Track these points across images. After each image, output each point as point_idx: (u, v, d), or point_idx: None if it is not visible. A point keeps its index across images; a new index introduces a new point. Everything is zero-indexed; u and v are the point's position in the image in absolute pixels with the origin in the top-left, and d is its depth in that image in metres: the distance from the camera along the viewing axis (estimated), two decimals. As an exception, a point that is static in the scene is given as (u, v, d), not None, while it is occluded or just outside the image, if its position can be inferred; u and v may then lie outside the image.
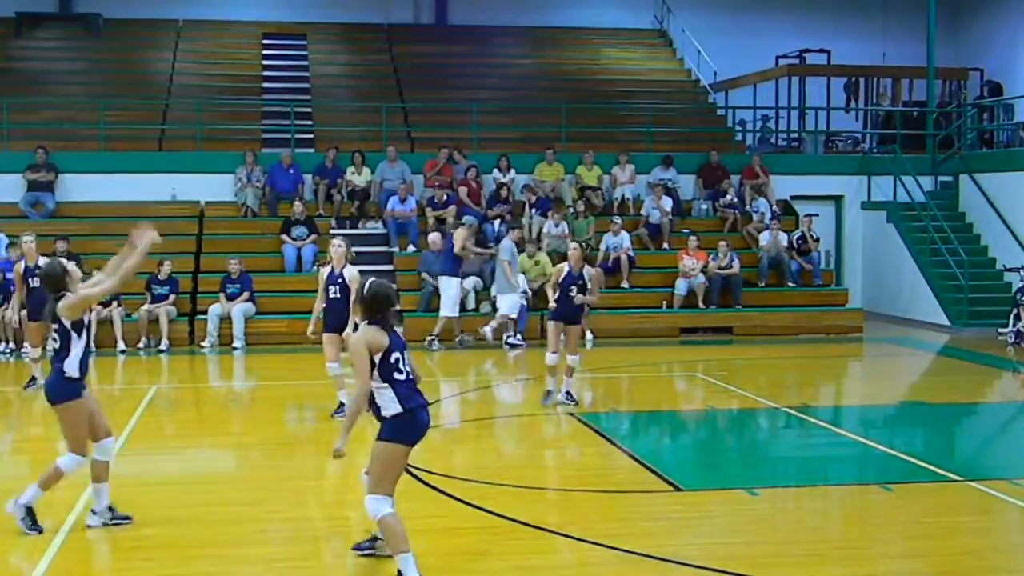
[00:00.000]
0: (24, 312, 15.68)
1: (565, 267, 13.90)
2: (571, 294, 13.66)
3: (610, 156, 24.78)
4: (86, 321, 8.60)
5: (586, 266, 13.96)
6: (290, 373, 17.63)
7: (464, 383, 17.15)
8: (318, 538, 8.88)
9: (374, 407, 7.41)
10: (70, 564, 8.01)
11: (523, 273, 21.12)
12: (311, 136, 25.87)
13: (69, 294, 8.52)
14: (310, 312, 13.49)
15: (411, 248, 22.59)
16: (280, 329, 20.29)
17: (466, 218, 22.27)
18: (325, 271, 13.18)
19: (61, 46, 29.14)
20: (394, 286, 7.63)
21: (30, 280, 15.02)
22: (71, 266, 8.85)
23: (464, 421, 13.58)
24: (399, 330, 7.47)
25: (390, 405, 7.31)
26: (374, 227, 23.25)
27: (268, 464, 11.46)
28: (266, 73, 28.56)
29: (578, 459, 11.70)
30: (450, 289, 20.31)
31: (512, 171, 24.16)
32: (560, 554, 8.29)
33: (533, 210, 23.14)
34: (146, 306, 20.06)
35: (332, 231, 22.35)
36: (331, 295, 12.95)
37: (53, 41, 29.18)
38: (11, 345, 19.45)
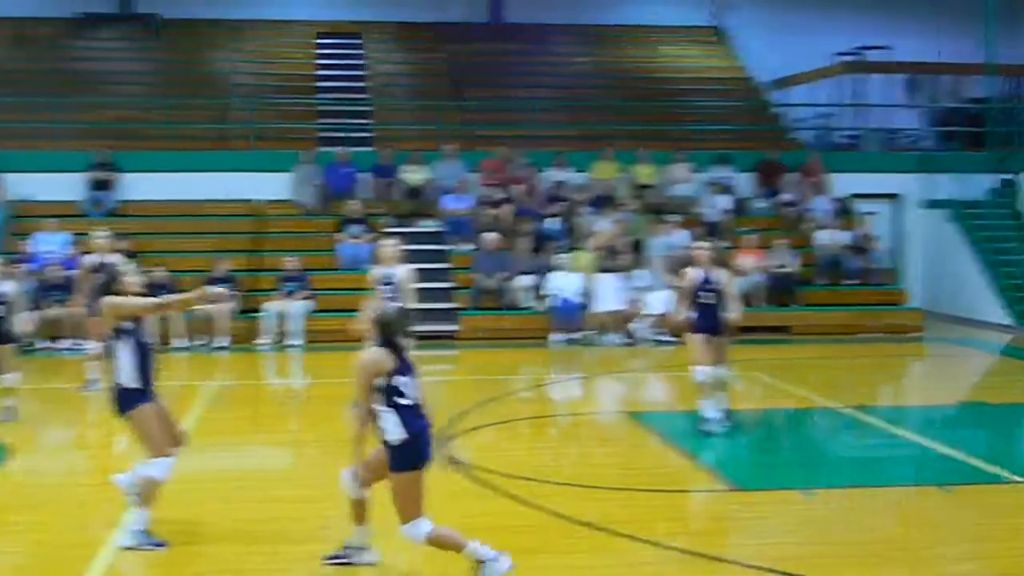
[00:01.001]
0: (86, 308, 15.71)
1: (695, 272, 12.34)
2: (709, 302, 12.13)
3: (666, 154, 24.70)
4: (129, 328, 8.36)
5: (719, 268, 12.35)
6: (347, 371, 17.69)
7: (523, 380, 17.15)
8: (374, 536, 8.90)
9: (379, 430, 7.41)
10: (126, 559, 8.09)
11: (583, 269, 21.20)
12: (368, 135, 25.99)
13: (109, 297, 8.44)
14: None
15: (467, 247, 22.64)
16: (337, 327, 20.38)
17: (616, 215, 22.36)
18: (379, 271, 13.28)
19: (121, 46, 29.49)
20: (408, 312, 7.90)
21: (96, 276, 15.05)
22: (130, 275, 8.68)
23: (520, 419, 13.56)
24: (407, 356, 7.49)
25: (394, 430, 7.32)
26: (430, 225, 23.32)
27: (325, 462, 11.50)
28: (321, 72, 28.73)
29: (634, 458, 11.65)
30: (606, 285, 20.44)
31: (568, 169, 24.16)
32: (615, 553, 8.26)
33: (588, 208, 23.10)
34: (204, 304, 20.22)
35: (387, 229, 22.46)
36: (386, 296, 13.05)
37: (113, 41, 29.54)
38: (75, 341, 19.69)
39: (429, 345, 20.31)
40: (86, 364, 15.29)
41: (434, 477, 10.54)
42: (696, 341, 12.25)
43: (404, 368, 7.43)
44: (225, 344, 20.06)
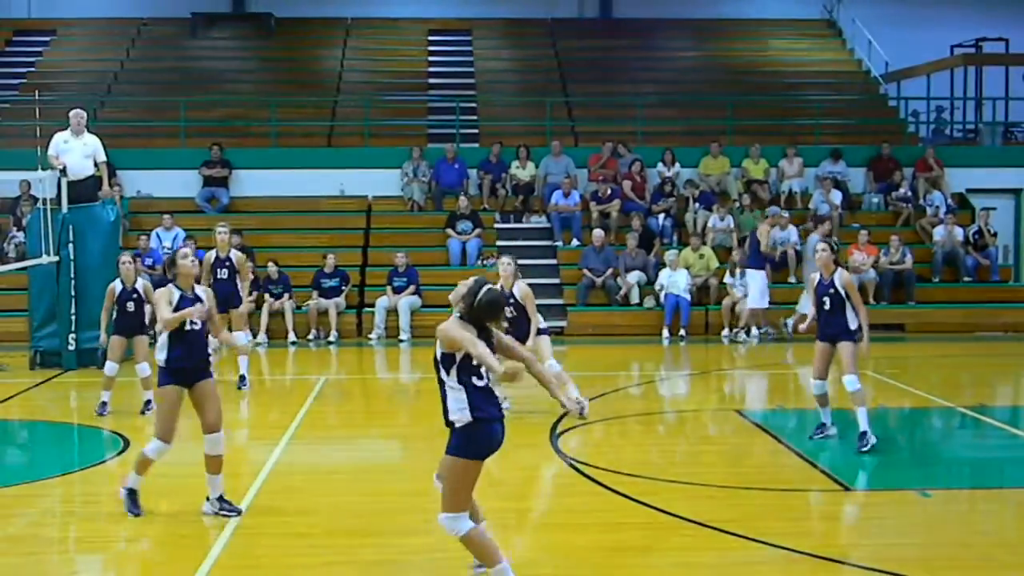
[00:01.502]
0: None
1: (816, 275, 11.40)
2: (827, 307, 11.19)
3: (777, 149, 24.43)
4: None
5: (839, 271, 11.20)
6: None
7: (632, 377, 17.07)
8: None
9: (444, 408, 7.01)
10: (241, 550, 8.21)
11: (687, 268, 21.05)
12: (476, 131, 26.08)
13: (161, 289, 8.94)
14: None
15: (575, 242, 22.61)
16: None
17: (770, 208, 22.23)
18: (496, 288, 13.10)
19: (234, 45, 30.00)
20: (501, 297, 7.16)
21: (218, 271, 15.11)
22: (185, 261, 8.91)
23: (629, 416, 13.48)
24: (492, 339, 7.02)
25: (460, 412, 6.87)
26: (538, 221, 23.35)
27: (433, 455, 11.54)
28: (432, 69, 28.90)
29: (744, 456, 11.51)
30: (756, 281, 20.32)
31: (677, 165, 24.02)
32: (724, 552, 8.16)
33: (697, 204, 22.93)
34: (315, 299, 20.51)
35: (496, 225, 22.63)
36: (507, 315, 12.96)
37: (227, 40, 30.06)
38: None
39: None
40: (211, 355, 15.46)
41: (543, 474, 10.57)
42: (816, 349, 11.49)
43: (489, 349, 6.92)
44: (334, 339, 20.30)
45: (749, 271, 20.38)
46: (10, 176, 20.31)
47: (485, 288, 7.01)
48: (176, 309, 8.70)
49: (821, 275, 11.27)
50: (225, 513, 8.87)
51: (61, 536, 8.87)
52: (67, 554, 8.51)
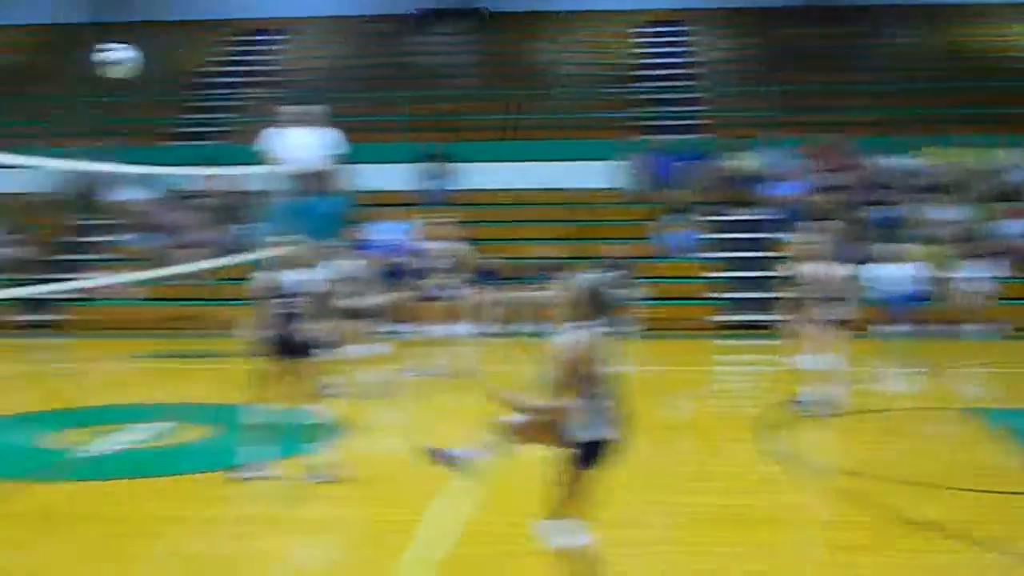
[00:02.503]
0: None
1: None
2: None
3: (1011, 138, 23.42)
4: None
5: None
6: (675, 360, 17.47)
7: (850, 372, 16.63)
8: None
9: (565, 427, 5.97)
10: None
11: (909, 262, 20.49)
12: (693, 122, 25.89)
13: None
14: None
15: (797, 235, 22.20)
16: (665, 315, 20.32)
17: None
18: (809, 268, 12.77)
19: (455, 40, 30.57)
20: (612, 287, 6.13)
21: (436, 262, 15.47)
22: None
23: (850, 413, 13.10)
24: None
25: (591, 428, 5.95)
26: (758, 213, 23.05)
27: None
28: (644, 61, 28.85)
29: (970, 456, 11.01)
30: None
31: (900, 155, 23.34)
32: (951, 555, 7.81)
33: (923, 196, 22.28)
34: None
35: (713, 217, 22.43)
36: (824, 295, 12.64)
37: (444, 36, 30.67)
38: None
39: (752, 335, 20.07)
40: (451, 348, 15.74)
41: (752, 468, 10.36)
42: None
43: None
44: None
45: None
46: (235, 171, 20.99)
47: (589, 279, 6.08)
48: None
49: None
50: None
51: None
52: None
